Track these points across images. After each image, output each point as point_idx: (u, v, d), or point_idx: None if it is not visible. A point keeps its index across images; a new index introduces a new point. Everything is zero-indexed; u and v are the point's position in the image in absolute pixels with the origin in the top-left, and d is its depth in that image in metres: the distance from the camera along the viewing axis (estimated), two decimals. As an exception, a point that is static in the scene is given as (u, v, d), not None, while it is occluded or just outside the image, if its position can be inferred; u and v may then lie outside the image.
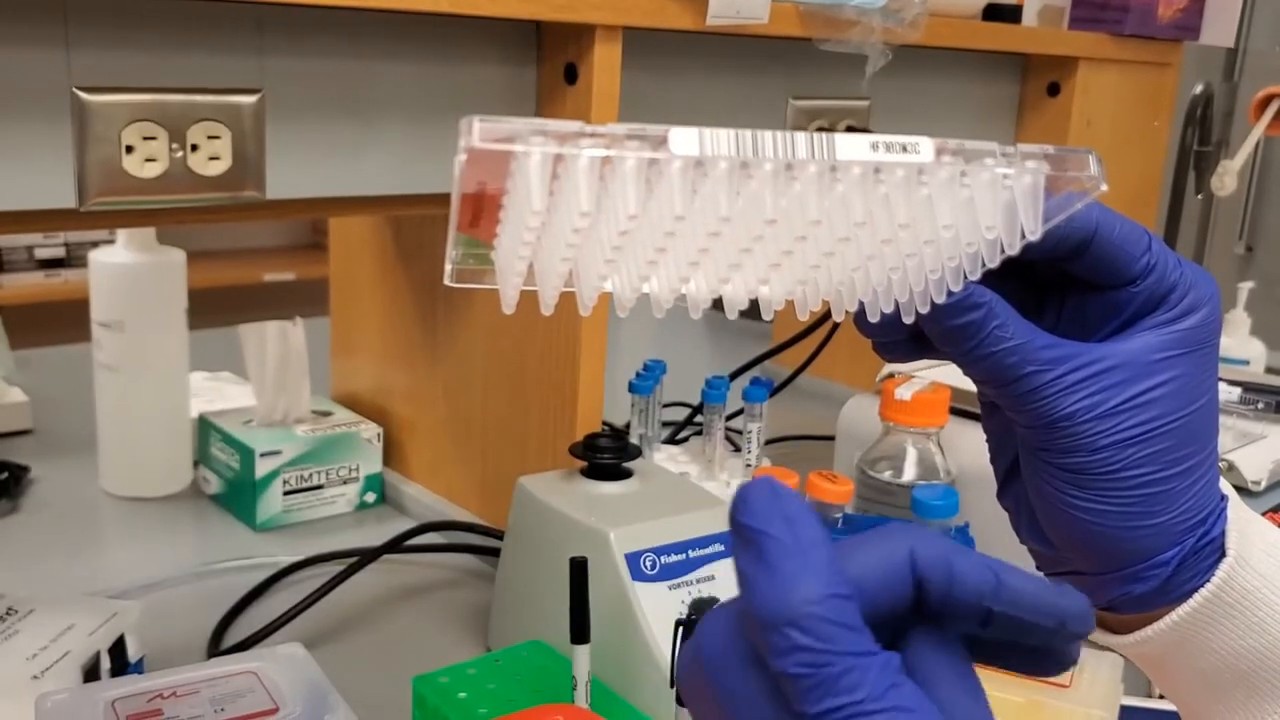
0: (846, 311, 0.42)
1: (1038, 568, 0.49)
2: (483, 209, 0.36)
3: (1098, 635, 0.48)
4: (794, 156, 0.36)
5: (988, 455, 0.51)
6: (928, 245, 0.39)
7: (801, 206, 0.37)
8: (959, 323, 0.43)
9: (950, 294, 0.41)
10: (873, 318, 0.43)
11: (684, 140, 0.35)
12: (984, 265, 0.41)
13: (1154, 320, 0.44)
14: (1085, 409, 0.43)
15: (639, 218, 0.35)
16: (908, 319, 0.42)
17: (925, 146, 0.38)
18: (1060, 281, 0.46)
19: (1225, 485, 0.47)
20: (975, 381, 0.45)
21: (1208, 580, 0.45)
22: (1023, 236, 0.40)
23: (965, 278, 0.41)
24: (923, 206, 0.39)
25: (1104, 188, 0.41)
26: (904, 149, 0.37)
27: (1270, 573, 0.45)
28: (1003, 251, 0.40)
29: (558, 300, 0.38)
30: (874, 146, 0.37)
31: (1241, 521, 0.46)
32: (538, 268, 0.37)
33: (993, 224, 0.40)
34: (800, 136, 0.36)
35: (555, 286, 0.38)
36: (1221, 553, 0.45)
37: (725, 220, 0.36)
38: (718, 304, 0.42)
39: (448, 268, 0.37)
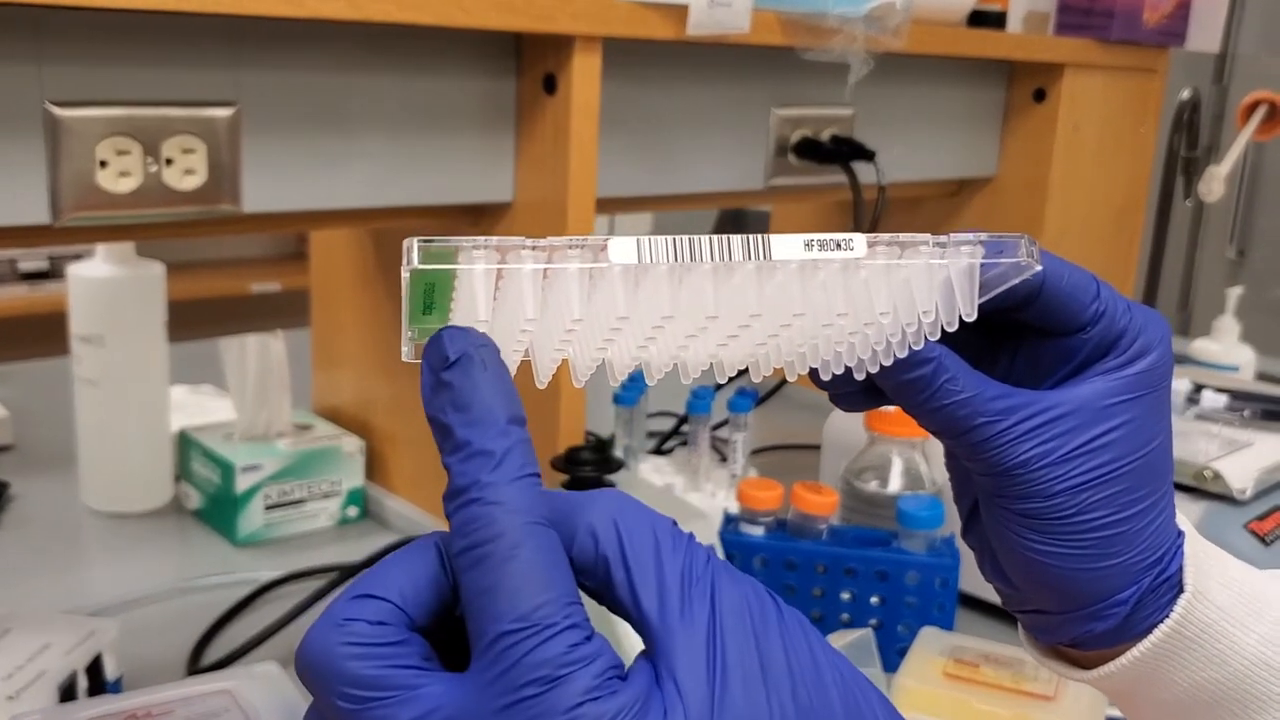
0: (799, 375, 0.43)
1: (1003, 605, 0.50)
2: (434, 302, 0.38)
3: (1063, 670, 0.49)
4: (730, 258, 0.38)
5: None
6: (868, 327, 0.41)
7: (740, 301, 0.38)
8: (909, 378, 0.43)
9: (896, 358, 0.42)
10: (825, 377, 0.44)
11: (622, 249, 0.37)
12: (926, 339, 0.42)
13: (1105, 366, 0.44)
14: (1038, 456, 0.43)
15: (584, 319, 0.37)
16: (859, 376, 0.43)
17: (859, 243, 0.39)
18: (1013, 329, 0.46)
19: (1182, 521, 0.47)
20: (930, 431, 0.45)
21: (1166, 616, 0.45)
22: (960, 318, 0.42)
23: (909, 348, 0.42)
24: (860, 293, 0.40)
25: (1038, 268, 0.42)
26: (838, 246, 0.39)
27: (1228, 605, 0.45)
28: (942, 329, 0.42)
29: (516, 369, 0.39)
30: (808, 245, 0.39)
31: (1199, 556, 0.46)
32: None
33: (929, 308, 0.41)
34: (736, 240, 0.38)
35: (511, 365, 0.39)
36: (1179, 588, 0.45)
37: (668, 317, 0.38)
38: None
39: (405, 348, 0.39)
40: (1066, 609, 0.46)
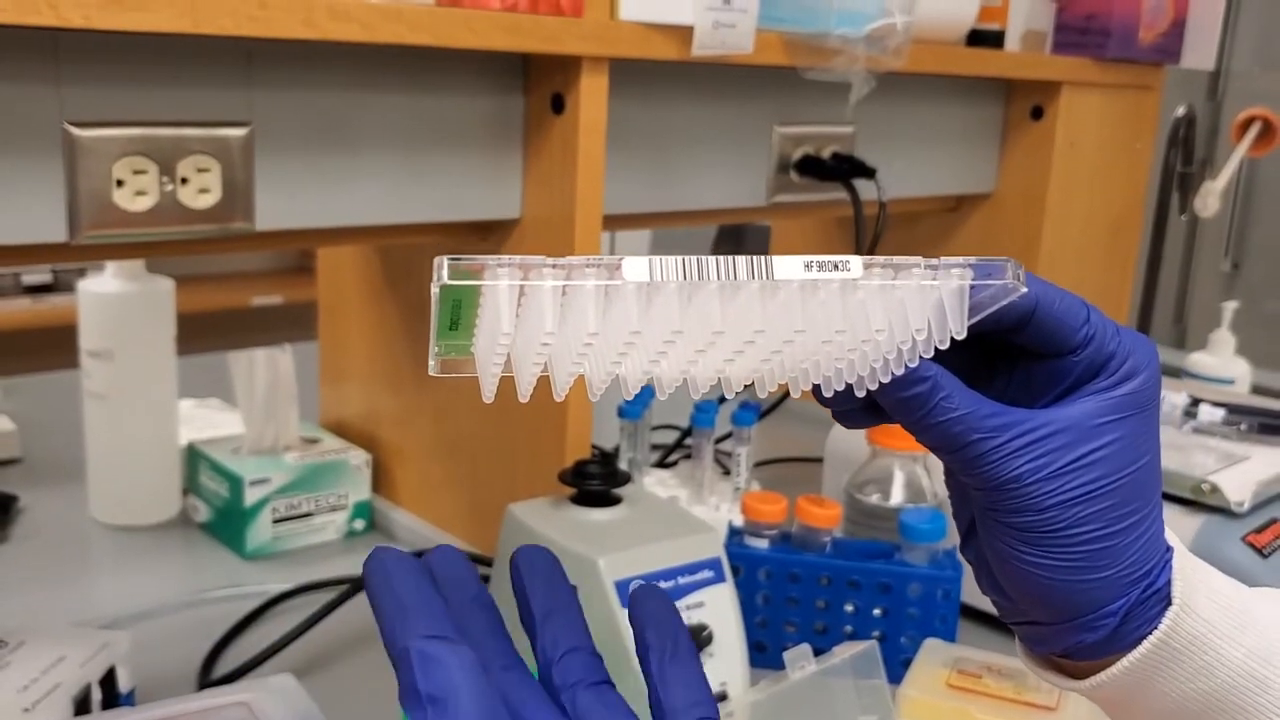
0: (803, 390, 0.46)
1: (1000, 617, 0.51)
2: (460, 318, 0.40)
3: (1057, 680, 0.51)
4: (735, 277, 0.40)
5: None
6: (865, 344, 0.43)
7: (745, 318, 0.41)
8: (906, 395, 0.45)
9: (893, 375, 0.44)
10: (826, 393, 0.46)
11: (636, 268, 0.39)
12: (921, 357, 0.44)
13: (1095, 386, 0.46)
14: (1030, 472, 0.45)
15: (600, 333, 0.40)
16: (859, 393, 0.45)
17: (855, 264, 0.42)
18: (1008, 351, 0.48)
19: (1171, 537, 0.49)
20: (928, 447, 0.47)
21: (1155, 628, 0.47)
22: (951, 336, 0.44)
23: (905, 365, 0.44)
24: (857, 312, 0.42)
25: (1024, 290, 0.44)
26: (835, 267, 0.41)
27: (1214, 618, 0.47)
28: (936, 349, 0.44)
29: (534, 388, 0.42)
30: (808, 266, 0.41)
31: (1186, 570, 0.48)
32: (514, 363, 0.41)
33: (921, 326, 0.43)
34: (740, 260, 0.40)
35: (529, 382, 0.42)
36: (1168, 601, 0.47)
37: (678, 332, 0.40)
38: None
39: (431, 362, 0.41)
40: (1058, 620, 0.48)
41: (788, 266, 0.41)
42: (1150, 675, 0.47)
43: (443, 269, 0.38)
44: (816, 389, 0.46)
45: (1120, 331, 0.47)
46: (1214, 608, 0.47)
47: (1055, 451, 0.45)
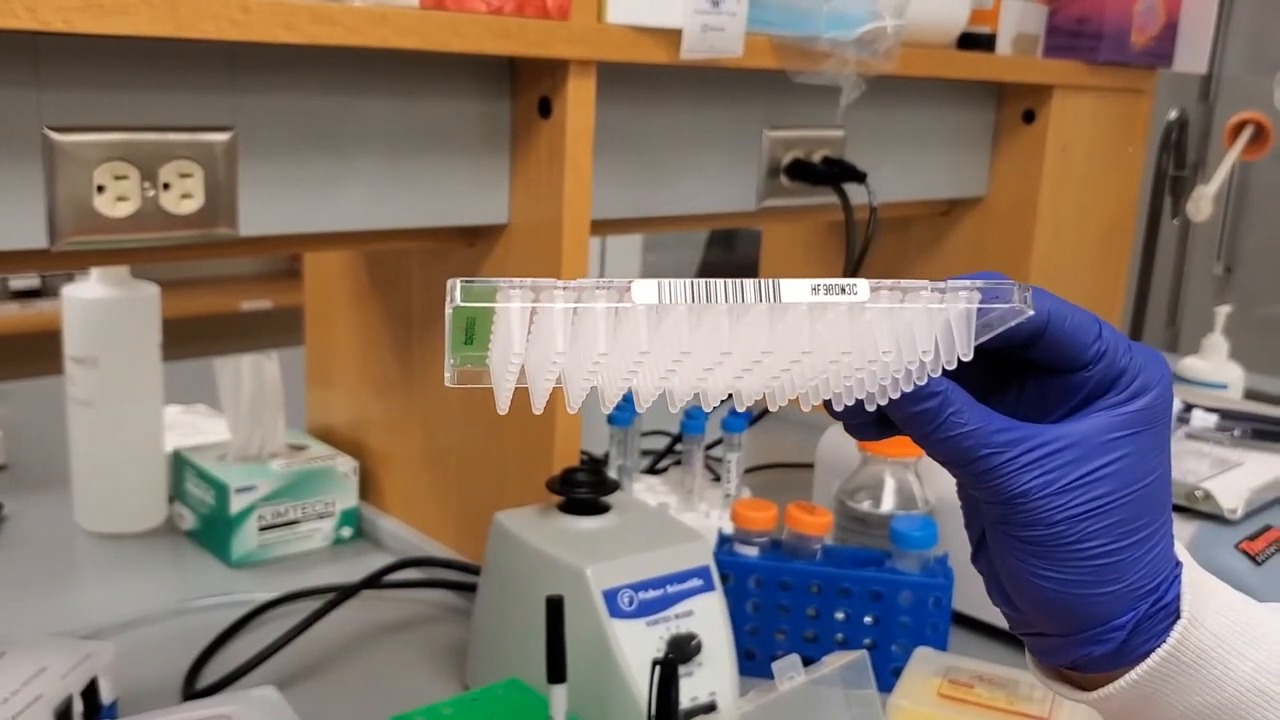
0: (813, 405, 0.46)
1: (1009, 628, 0.52)
2: (474, 334, 0.41)
3: (1065, 691, 0.51)
4: (743, 300, 0.41)
5: None
6: (872, 364, 0.44)
7: (753, 339, 0.42)
8: (916, 410, 0.46)
9: (902, 392, 0.45)
10: (838, 408, 0.47)
11: (645, 290, 0.40)
12: (928, 376, 0.45)
13: (1106, 402, 0.46)
14: (1039, 486, 0.45)
15: (610, 353, 0.41)
16: (870, 407, 0.46)
17: (862, 287, 0.42)
18: (1022, 365, 0.49)
19: (1181, 551, 0.49)
20: (939, 462, 0.47)
21: (1163, 641, 0.47)
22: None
23: (914, 384, 0.45)
24: (864, 333, 0.43)
25: (1030, 313, 0.44)
26: (842, 290, 0.42)
27: (1223, 633, 0.47)
28: (942, 368, 0.44)
29: (548, 399, 0.43)
30: (815, 289, 0.42)
31: (1195, 585, 0.48)
32: (528, 377, 0.42)
33: (928, 348, 0.44)
34: (749, 283, 0.41)
35: (543, 395, 0.43)
36: (1177, 615, 0.47)
37: (686, 353, 0.41)
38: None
39: (447, 374, 0.42)
40: (1067, 632, 0.48)
41: (795, 290, 0.41)
42: (1158, 688, 0.47)
43: (455, 291, 0.39)
44: (828, 403, 0.47)
45: (1132, 348, 0.47)
46: (1223, 622, 0.47)
47: (1064, 467, 0.45)
